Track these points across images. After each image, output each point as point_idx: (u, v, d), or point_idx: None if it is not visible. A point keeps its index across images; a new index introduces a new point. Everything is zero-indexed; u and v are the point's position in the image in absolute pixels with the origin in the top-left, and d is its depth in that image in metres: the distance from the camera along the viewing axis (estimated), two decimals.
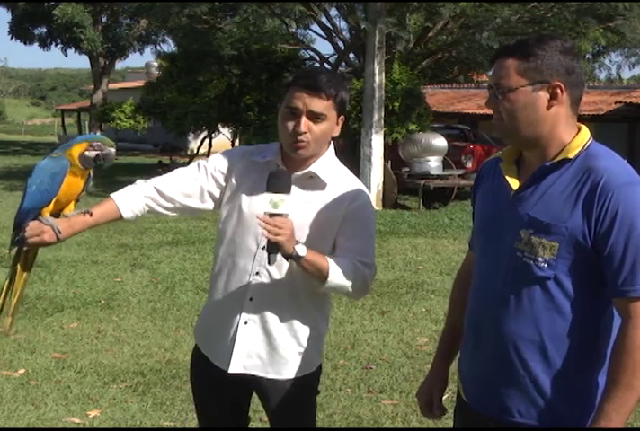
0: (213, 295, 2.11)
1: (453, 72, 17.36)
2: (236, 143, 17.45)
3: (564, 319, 1.54)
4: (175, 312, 5.33)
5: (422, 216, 11.05)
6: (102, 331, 4.84)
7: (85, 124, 32.48)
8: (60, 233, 1.83)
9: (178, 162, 17.53)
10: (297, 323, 2.00)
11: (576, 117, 1.60)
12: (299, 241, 1.84)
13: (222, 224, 2.04)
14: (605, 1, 11.59)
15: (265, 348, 2.00)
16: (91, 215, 1.88)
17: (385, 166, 12.12)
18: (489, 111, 1.62)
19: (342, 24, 14.54)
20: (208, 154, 14.49)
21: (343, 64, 14.17)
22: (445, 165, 12.67)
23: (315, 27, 25.78)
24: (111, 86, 30.28)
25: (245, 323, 1.99)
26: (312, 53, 14.88)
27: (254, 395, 2.14)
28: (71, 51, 27.62)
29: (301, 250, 1.81)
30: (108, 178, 12.98)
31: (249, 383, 2.06)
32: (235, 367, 2.00)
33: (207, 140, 17.60)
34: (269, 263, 1.84)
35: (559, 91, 1.53)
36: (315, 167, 1.97)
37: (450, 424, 3.55)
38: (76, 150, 1.90)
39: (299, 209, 1.90)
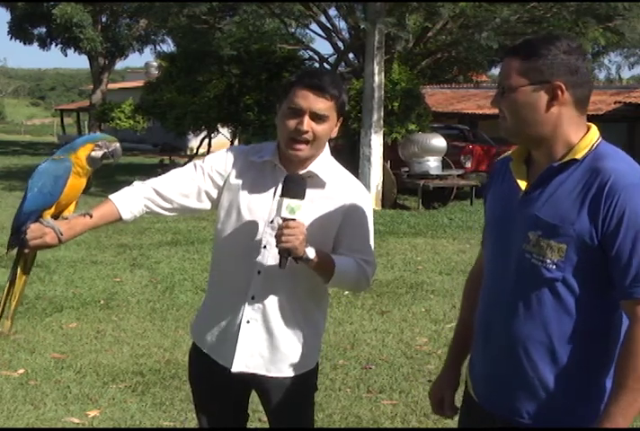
0: (213, 295, 2.12)
1: (452, 72, 17.34)
2: (236, 143, 17.43)
3: (572, 320, 1.54)
4: (175, 312, 5.33)
5: (421, 216, 11.05)
6: (102, 331, 4.84)
7: (85, 124, 32.46)
8: (62, 234, 1.83)
9: (178, 162, 17.52)
10: (298, 321, 2.02)
11: (584, 116, 1.59)
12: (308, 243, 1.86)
13: (221, 224, 2.04)
14: (604, 1, 11.59)
15: (267, 347, 2.01)
16: (91, 216, 1.88)
17: (384, 166, 12.12)
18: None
19: (342, 24, 14.52)
20: (207, 155, 14.47)
21: (343, 64, 14.17)
22: (444, 165, 12.66)
23: (314, 27, 25.84)
24: (111, 86, 30.26)
25: (247, 322, 2.00)
26: (311, 53, 14.89)
27: (253, 394, 2.15)
28: (70, 51, 27.58)
29: (311, 253, 1.84)
30: (107, 178, 12.97)
31: (250, 382, 2.07)
32: (238, 366, 2.01)
33: (206, 140, 17.60)
34: (280, 267, 1.85)
35: (559, 91, 1.53)
36: (314, 167, 1.99)
37: (450, 424, 3.55)
38: (83, 152, 1.89)
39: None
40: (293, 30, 14.40)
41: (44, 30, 27.70)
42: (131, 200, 1.95)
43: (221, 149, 2.16)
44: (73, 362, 4.22)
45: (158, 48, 27.88)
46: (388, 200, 12.13)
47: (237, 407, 2.18)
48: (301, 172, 1.96)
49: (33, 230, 1.82)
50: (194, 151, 19.31)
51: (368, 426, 3.47)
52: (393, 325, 5.12)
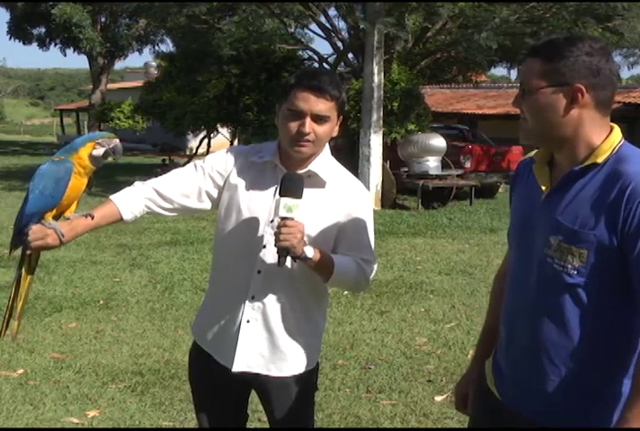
0: (213, 294, 2.12)
1: (452, 72, 17.33)
2: (235, 143, 17.43)
3: (593, 324, 1.54)
4: (174, 312, 5.33)
5: (420, 216, 11.05)
6: (101, 331, 4.84)
7: (84, 124, 32.46)
8: (63, 236, 1.83)
9: (177, 162, 17.52)
10: (298, 320, 2.02)
11: (608, 117, 1.58)
12: (306, 242, 1.86)
13: (221, 223, 2.05)
14: (604, 1, 11.59)
15: (267, 346, 2.02)
16: (92, 217, 1.88)
17: (384, 166, 12.12)
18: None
19: (341, 24, 14.51)
20: (207, 154, 14.47)
21: (342, 64, 14.16)
22: (444, 165, 12.67)
23: (313, 27, 25.76)
24: (110, 86, 30.25)
25: (248, 322, 2.00)
26: (311, 53, 14.87)
27: (253, 394, 2.15)
28: (70, 51, 27.59)
29: (309, 252, 1.85)
30: (108, 178, 12.99)
31: (250, 381, 2.07)
32: (238, 366, 2.01)
33: (206, 140, 17.59)
34: (279, 265, 1.85)
35: (579, 94, 1.51)
36: (314, 166, 1.99)
37: (450, 424, 3.56)
38: (84, 152, 1.89)
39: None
40: (292, 30, 14.37)
41: (43, 30, 27.70)
42: (132, 201, 1.95)
43: (221, 149, 2.16)
44: (72, 362, 4.22)
45: (157, 48, 27.89)
46: (388, 200, 12.13)
47: (237, 407, 2.18)
48: (301, 172, 1.96)
49: (35, 231, 1.82)
50: (194, 151, 19.29)
51: (368, 426, 3.47)
52: (392, 325, 5.12)
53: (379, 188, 11.95)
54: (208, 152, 16.49)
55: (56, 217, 1.90)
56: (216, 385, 2.11)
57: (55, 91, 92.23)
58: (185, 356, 2.26)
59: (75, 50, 27.13)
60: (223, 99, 15.27)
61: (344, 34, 14.10)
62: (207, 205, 2.05)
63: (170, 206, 2.01)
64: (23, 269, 1.96)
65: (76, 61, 72.73)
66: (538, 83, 1.54)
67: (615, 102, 1.64)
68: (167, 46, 35.37)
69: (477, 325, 4.89)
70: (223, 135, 17.71)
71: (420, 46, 13.88)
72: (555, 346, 1.57)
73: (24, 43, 28.17)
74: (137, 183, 2.01)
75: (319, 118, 1.90)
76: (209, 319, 2.10)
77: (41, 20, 26.06)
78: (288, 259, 1.86)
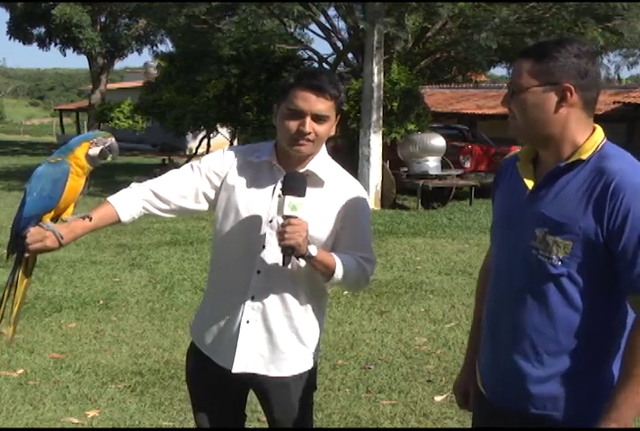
0: (212, 294, 2.12)
1: (452, 72, 17.34)
2: (235, 143, 17.43)
3: (578, 314, 1.59)
4: (174, 312, 5.33)
5: (420, 216, 11.05)
6: (101, 331, 4.84)
7: (84, 124, 32.47)
8: (62, 238, 1.82)
9: (177, 162, 17.51)
10: (298, 320, 2.02)
11: (592, 118, 1.64)
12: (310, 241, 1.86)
13: (220, 224, 2.04)
14: (603, 1, 11.60)
15: (267, 346, 2.02)
16: (90, 219, 1.87)
17: (383, 166, 12.12)
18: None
19: (341, 24, 14.50)
20: (206, 154, 14.46)
21: (342, 64, 14.16)
22: (443, 165, 12.67)
23: (313, 27, 25.72)
24: (110, 86, 30.26)
25: (247, 322, 2.00)
26: (310, 53, 14.87)
27: (252, 394, 2.15)
28: (69, 51, 27.66)
29: (313, 250, 1.85)
30: (107, 178, 12.98)
31: (249, 382, 2.07)
32: (238, 366, 2.01)
33: (205, 140, 17.59)
34: (283, 264, 1.85)
35: (569, 93, 1.57)
36: (312, 165, 1.99)
37: (450, 424, 3.56)
38: (80, 152, 1.89)
39: None
40: (292, 30, 14.39)
41: (43, 30, 27.75)
42: (130, 203, 1.95)
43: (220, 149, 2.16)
44: (72, 362, 4.22)
45: (157, 48, 27.91)
46: (387, 200, 12.13)
47: (236, 407, 2.18)
48: (300, 171, 1.96)
49: (33, 234, 1.81)
50: (193, 151, 19.29)
51: (368, 426, 3.46)
52: (392, 325, 5.12)
53: (379, 188, 11.96)
54: (207, 152, 16.48)
55: (54, 220, 1.89)
56: (214, 386, 2.10)
57: (55, 91, 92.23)
58: (184, 357, 2.26)
59: (74, 50, 27.17)
60: (223, 99, 15.28)
61: (344, 34, 14.10)
62: (204, 206, 2.05)
63: (167, 207, 2.01)
64: (20, 272, 1.94)
65: (76, 61, 72.74)
66: (529, 82, 1.60)
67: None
68: (167, 46, 35.44)
69: None
70: (223, 135, 17.72)
71: (420, 46, 13.88)
72: (538, 335, 1.62)
73: (24, 43, 28.21)
74: (133, 184, 2.01)
75: (319, 118, 1.90)
76: (209, 319, 2.10)
77: (41, 20, 26.11)
78: (293, 258, 1.86)
